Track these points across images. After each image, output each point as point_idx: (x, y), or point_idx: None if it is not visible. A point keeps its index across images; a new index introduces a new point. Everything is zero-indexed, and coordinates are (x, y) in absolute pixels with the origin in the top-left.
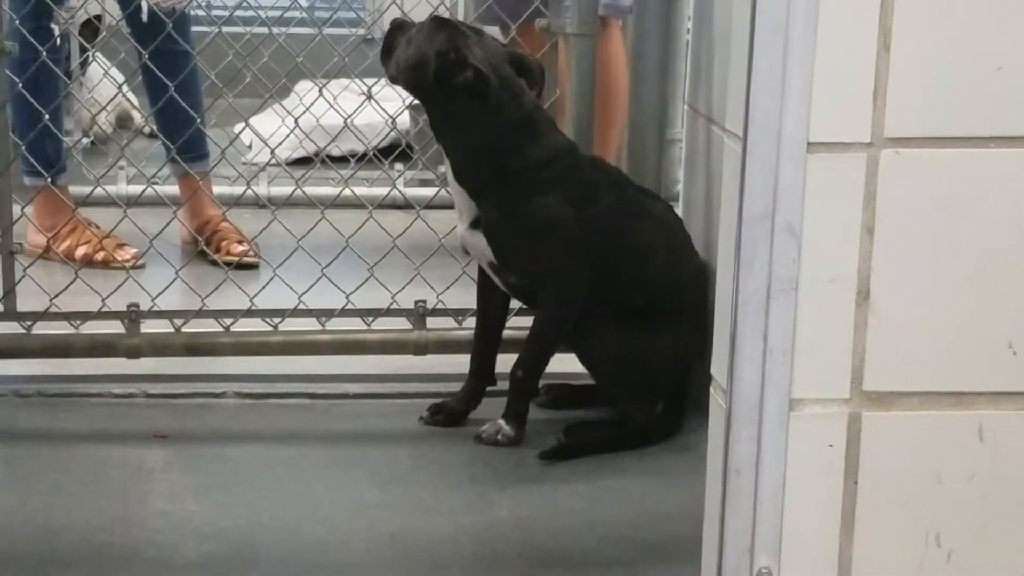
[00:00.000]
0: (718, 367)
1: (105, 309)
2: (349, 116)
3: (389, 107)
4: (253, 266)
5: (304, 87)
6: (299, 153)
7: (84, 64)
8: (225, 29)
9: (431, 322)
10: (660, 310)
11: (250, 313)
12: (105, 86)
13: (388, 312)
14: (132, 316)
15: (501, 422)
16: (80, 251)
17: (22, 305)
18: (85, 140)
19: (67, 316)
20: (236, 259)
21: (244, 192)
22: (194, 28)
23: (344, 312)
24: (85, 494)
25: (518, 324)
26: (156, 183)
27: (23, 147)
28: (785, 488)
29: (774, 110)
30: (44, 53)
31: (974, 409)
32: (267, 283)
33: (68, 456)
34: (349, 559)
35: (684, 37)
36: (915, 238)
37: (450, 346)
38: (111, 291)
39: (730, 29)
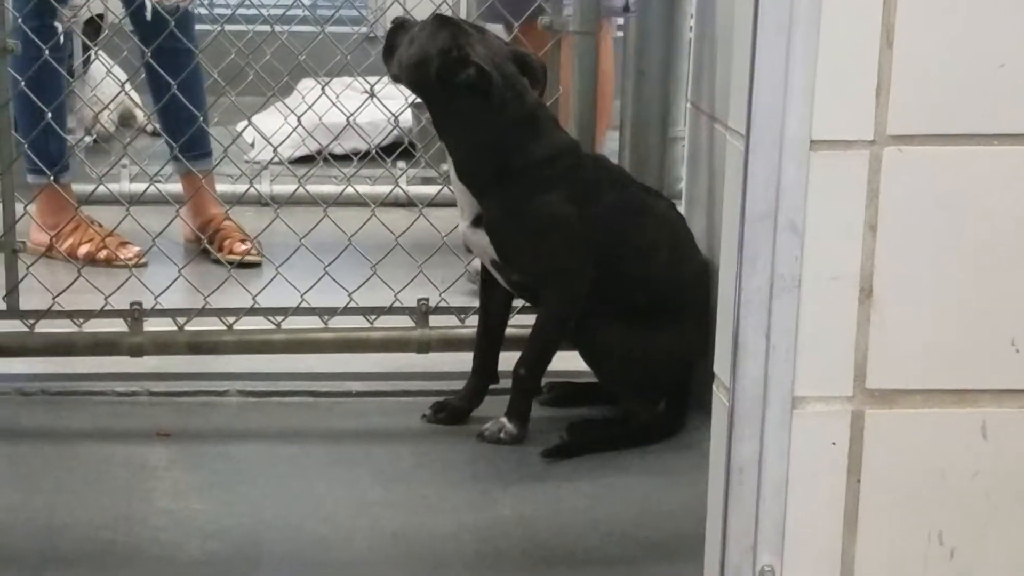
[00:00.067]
0: (721, 365)
1: (108, 307)
2: (352, 114)
3: (392, 105)
4: (256, 264)
5: (307, 85)
6: (302, 151)
7: (86, 62)
8: (227, 27)
9: (434, 320)
10: (662, 308)
11: (253, 311)
12: (108, 84)
13: (391, 310)
14: (135, 314)
15: (504, 420)
16: (83, 249)
17: (25, 303)
18: (88, 138)
19: (70, 314)
20: (239, 258)
21: (247, 190)
22: (196, 26)
23: (347, 310)
24: (88, 492)
25: (521, 322)
26: (159, 181)
27: (26, 145)
28: (788, 486)
29: (777, 108)
30: (47, 51)
31: (977, 407)
32: (270, 281)
33: (71, 454)
34: (352, 557)
35: (687, 35)
36: (918, 236)
37: (453, 344)
38: (114, 289)
39: (733, 27)
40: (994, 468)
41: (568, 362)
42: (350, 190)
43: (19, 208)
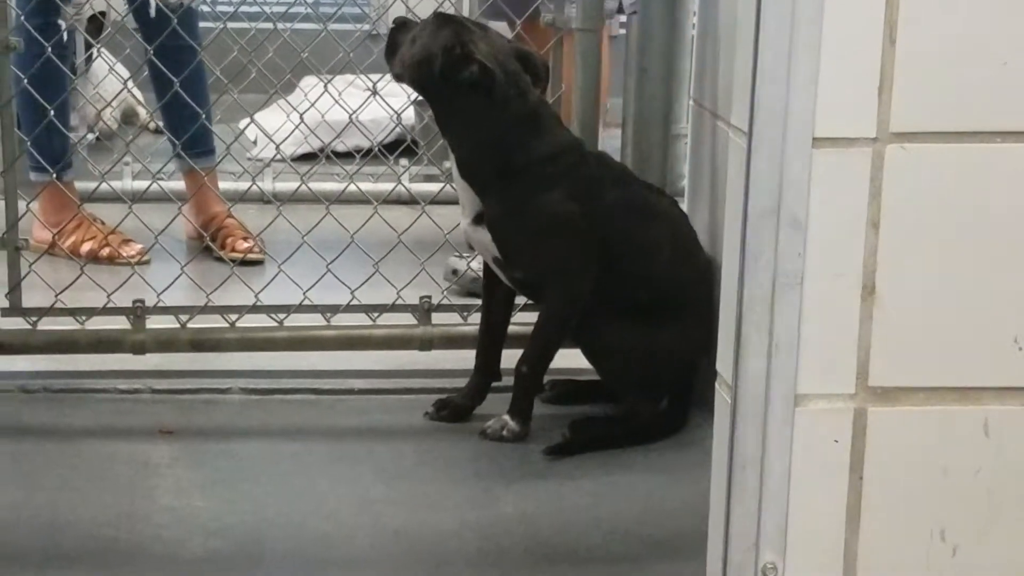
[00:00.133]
0: (723, 362)
1: (110, 305)
2: (354, 112)
3: (394, 103)
4: (258, 262)
5: (309, 83)
6: (304, 149)
7: (89, 60)
8: (230, 25)
9: (436, 318)
10: (665, 306)
11: (255, 309)
12: (110, 82)
13: (393, 308)
14: (137, 312)
15: (506, 418)
16: (85, 247)
17: (27, 301)
18: (90, 136)
19: (72, 312)
20: (241, 256)
21: (249, 188)
22: (199, 23)
23: (349, 308)
24: (91, 490)
25: (523, 320)
26: (161, 179)
27: (29, 143)
28: (790, 483)
29: (779, 105)
30: (50, 49)
31: (979, 404)
32: (272, 279)
33: (74, 452)
34: (354, 554)
35: (689, 32)
36: (921, 233)
37: (455, 342)
38: (116, 287)
39: (735, 24)
40: (996, 465)
41: (570, 360)
42: (352, 188)
43: (22, 206)
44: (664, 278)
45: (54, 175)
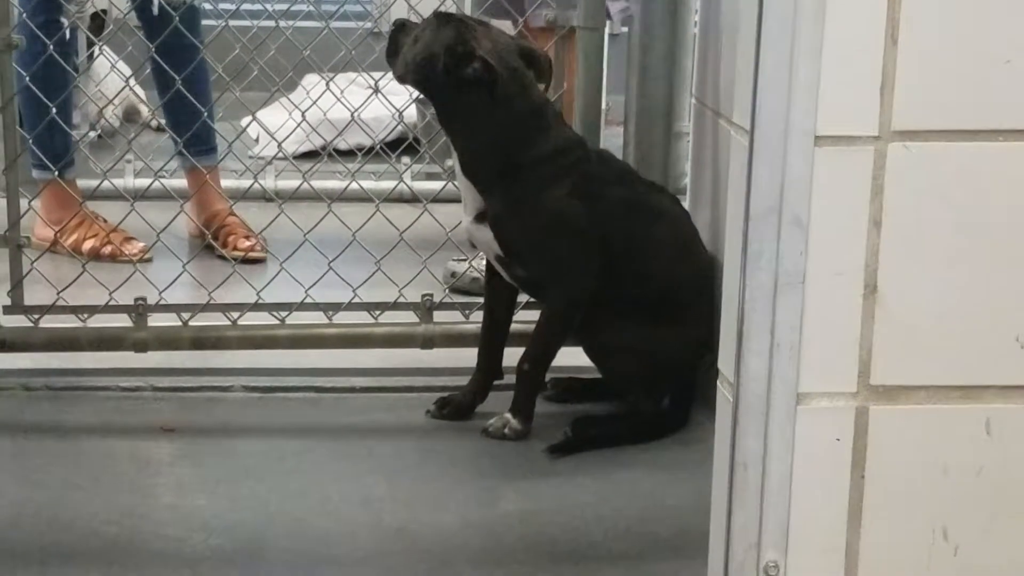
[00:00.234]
0: (725, 361)
1: (112, 303)
2: (356, 110)
3: (396, 101)
4: (260, 260)
5: (311, 81)
6: (306, 147)
7: (91, 58)
8: (232, 23)
9: (438, 316)
10: (667, 304)
11: (257, 307)
12: (112, 80)
13: (395, 306)
14: (139, 310)
15: (508, 416)
16: (87, 245)
17: (29, 298)
18: (92, 134)
19: (74, 309)
20: (243, 254)
21: (251, 186)
22: (202, 21)
23: (351, 306)
24: (92, 487)
25: (525, 317)
26: (163, 177)
27: (31, 141)
28: (792, 482)
29: (781, 103)
30: (52, 47)
31: (982, 403)
32: (274, 277)
33: (75, 450)
34: (356, 552)
35: (691, 30)
36: (923, 231)
37: (457, 340)
38: (118, 285)
39: (737, 22)
40: (998, 464)
41: (572, 358)
42: (354, 186)
43: (24, 203)
44: (666, 276)
45: (56, 173)
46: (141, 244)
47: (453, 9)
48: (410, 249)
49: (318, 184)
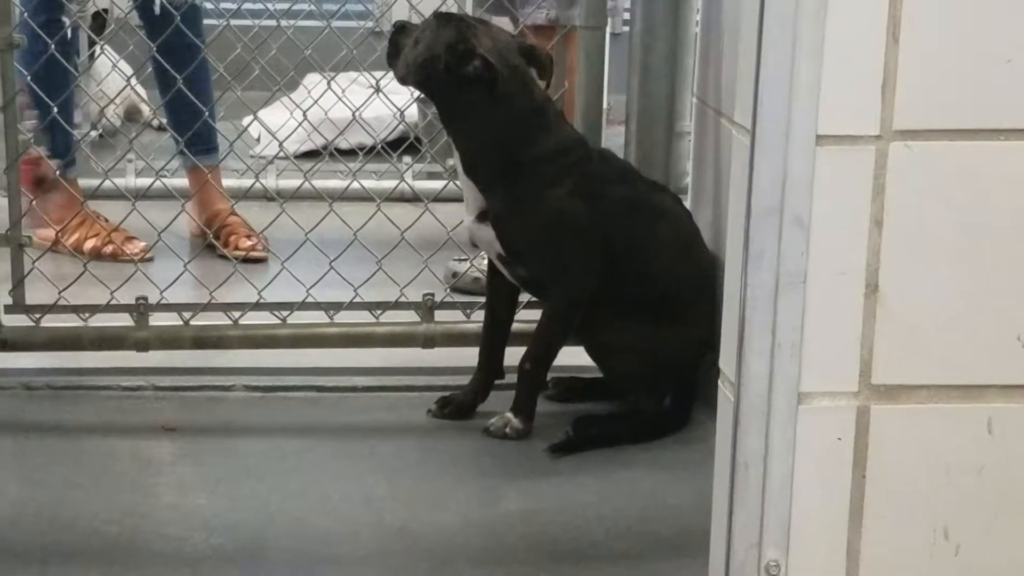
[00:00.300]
0: (726, 360)
1: (114, 302)
2: (357, 109)
3: (397, 100)
4: (261, 260)
5: (312, 80)
6: (307, 146)
7: (92, 57)
8: (233, 22)
9: (439, 315)
10: (668, 303)
11: (258, 306)
12: (113, 79)
13: (396, 305)
14: (141, 309)
15: (509, 415)
16: (89, 244)
17: (31, 298)
18: (94, 133)
19: (76, 309)
20: (244, 253)
21: (252, 185)
22: (203, 21)
23: (352, 305)
24: (93, 487)
25: (527, 317)
26: (165, 176)
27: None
28: (793, 481)
29: (783, 103)
30: (53, 46)
31: (983, 402)
32: (275, 276)
33: (77, 449)
34: (357, 552)
35: (693, 29)
36: (924, 231)
37: (458, 339)
38: (120, 284)
39: (739, 21)
40: (1000, 464)
41: (574, 357)
42: (356, 185)
43: (25, 203)
44: (667, 276)
45: (58, 172)
46: (142, 243)
47: (454, 8)
48: (411, 248)
49: (319, 183)
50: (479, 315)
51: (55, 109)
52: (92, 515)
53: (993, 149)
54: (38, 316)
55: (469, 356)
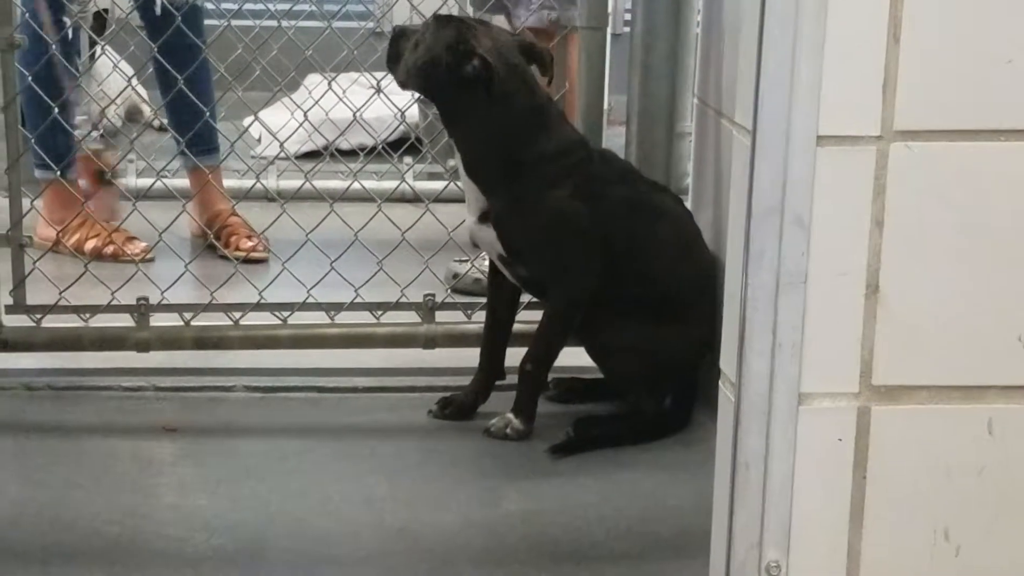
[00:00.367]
0: (727, 361)
1: (114, 302)
2: (358, 109)
3: (398, 101)
4: (262, 260)
5: (313, 80)
6: (308, 147)
7: (93, 58)
8: (234, 22)
9: (440, 316)
10: (669, 304)
11: (259, 307)
12: (114, 79)
13: (397, 306)
14: (141, 309)
15: (510, 416)
16: (89, 244)
17: (32, 298)
18: (95, 133)
19: (76, 309)
20: (245, 254)
21: (253, 186)
22: (204, 21)
23: (353, 306)
24: (94, 487)
25: (528, 318)
26: (166, 176)
27: (33, 140)
28: (794, 482)
29: (783, 103)
30: (54, 46)
31: (984, 403)
32: (276, 277)
33: (77, 449)
34: (358, 552)
35: (693, 30)
36: (925, 231)
37: (459, 340)
38: (120, 284)
39: (739, 21)
40: (1000, 464)
41: (574, 358)
42: (356, 185)
43: (26, 203)
44: (668, 276)
45: (58, 172)
46: (143, 244)
47: (455, 8)
48: (412, 249)
49: (320, 184)
50: (480, 316)
51: (56, 109)
52: (93, 515)
53: (994, 150)
54: (39, 316)
55: (470, 357)
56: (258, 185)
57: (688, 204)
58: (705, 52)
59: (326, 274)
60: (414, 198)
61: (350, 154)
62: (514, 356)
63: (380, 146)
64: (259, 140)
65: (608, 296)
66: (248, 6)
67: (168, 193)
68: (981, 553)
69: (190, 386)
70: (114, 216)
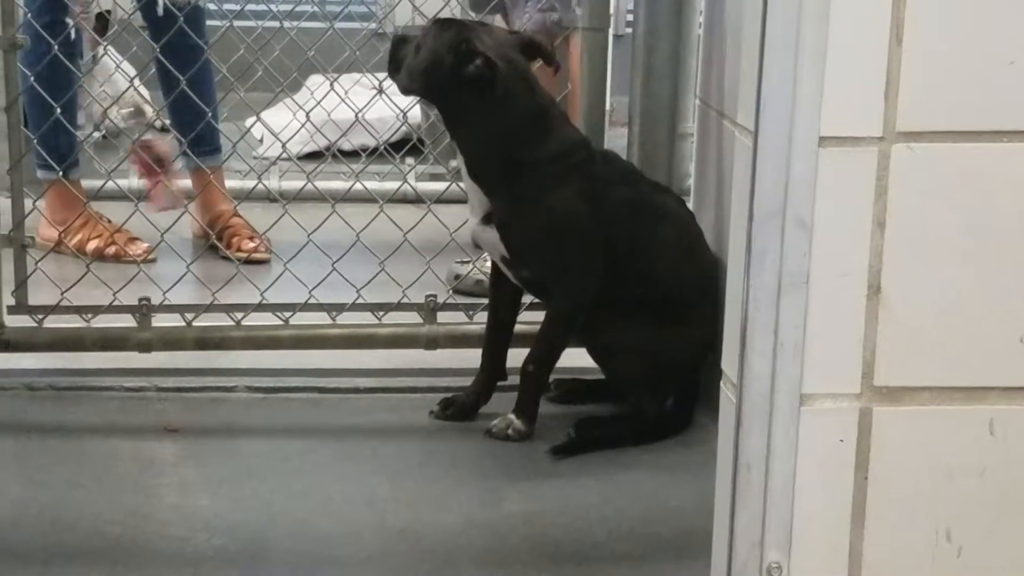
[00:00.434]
0: (729, 361)
1: (116, 303)
2: (360, 110)
3: (400, 101)
4: (264, 261)
5: (315, 81)
6: (310, 147)
7: (95, 58)
8: (236, 23)
9: (441, 317)
10: (671, 305)
11: (261, 307)
12: (117, 80)
13: (399, 306)
14: (143, 310)
15: (512, 417)
16: (92, 245)
17: (34, 298)
18: (97, 134)
19: (78, 310)
20: (247, 255)
21: (255, 186)
22: (206, 22)
23: (355, 306)
24: (96, 487)
25: (530, 319)
26: None
27: (35, 141)
28: (795, 483)
29: (786, 104)
30: (56, 47)
31: (985, 404)
32: (278, 277)
33: (79, 449)
34: (359, 553)
35: (696, 31)
36: (926, 232)
37: (461, 341)
38: (122, 285)
39: (741, 23)
40: (1002, 465)
41: (576, 359)
42: (358, 186)
43: (28, 203)
44: (670, 277)
45: (60, 173)
46: (145, 244)
47: (457, 8)
48: (414, 250)
49: (322, 185)
50: (482, 317)
51: (58, 110)
52: (94, 516)
53: (996, 151)
54: (41, 317)
55: (472, 358)
56: (260, 186)
57: (690, 205)
58: (707, 53)
59: (328, 275)
60: (416, 199)
61: (352, 155)
62: (516, 357)
63: (382, 147)
64: (261, 141)
65: (610, 297)
66: (250, 7)
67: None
68: (983, 554)
69: (192, 386)
70: (177, 203)
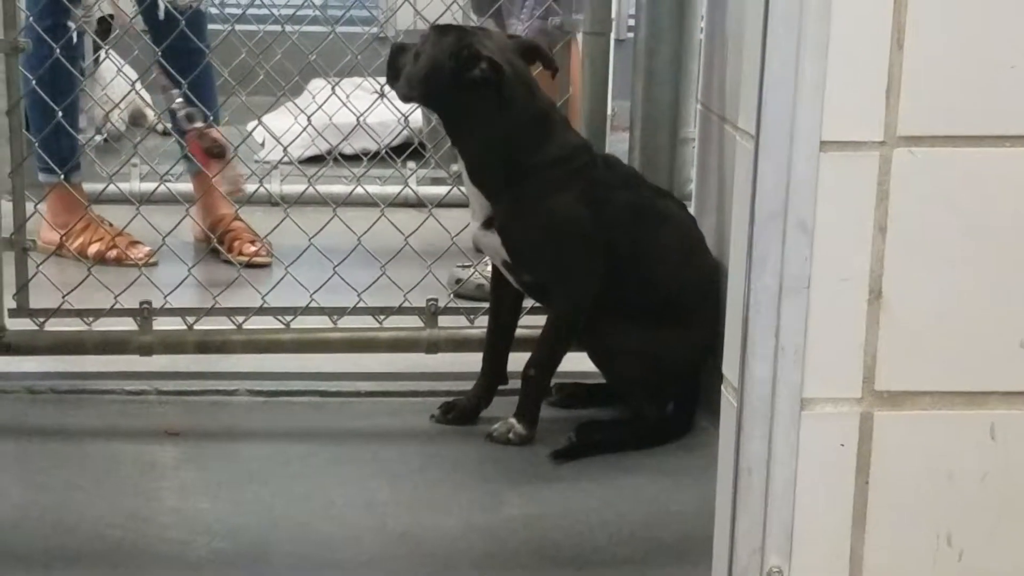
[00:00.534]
0: (730, 365)
1: (117, 306)
2: (362, 114)
3: (402, 106)
4: (265, 264)
5: (317, 85)
6: (312, 151)
7: (97, 62)
8: (238, 27)
9: (442, 321)
10: (672, 309)
11: (262, 311)
12: (118, 84)
13: (400, 310)
14: (144, 313)
15: (513, 421)
16: (93, 248)
17: (35, 302)
18: (98, 138)
19: (80, 313)
20: (248, 259)
21: (256, 190)
22: (208, 26)
23: (356, 310)
24: (97, 491)
25: (531, 322)
26: (169, 180)
27: (37, 144)
28: (796, 487)
29: (787, 108)
30: (58, 50)
31: (986, 408)
32: (279, 281)
33: (80, 453)
34: (360, 556)
35: (697, 35)
36: (928, 237)
37: (462, 344)
38: (124, 288)
39: (743, 27)
40: (1002, 470)
41: (577, 363)
42: (360, 190)
43: (29, 207)
44: (671, 281)
45: (62, 176)
46: (147, 248)
47: (458, 13)
48: (415, 254)
49: (323, 189)
50: (483, 320)
51: (60, 113)
52: (95, 519)
53: (997, 155)
54: (42, 320)
55: (473, 361)
56: (261, 189)
57: (691, 209)
58: (709, 57)
59: (329, 278)
60: (417, 203)
61: (353, 159)
62: (517, 361)
63: (383, 151)
64: (262, 145)
65: (611, 301)
66: (252, 11)
67: (171, 197)
68: (984, 558)
69: (193, 390)
70: (237, 186)
